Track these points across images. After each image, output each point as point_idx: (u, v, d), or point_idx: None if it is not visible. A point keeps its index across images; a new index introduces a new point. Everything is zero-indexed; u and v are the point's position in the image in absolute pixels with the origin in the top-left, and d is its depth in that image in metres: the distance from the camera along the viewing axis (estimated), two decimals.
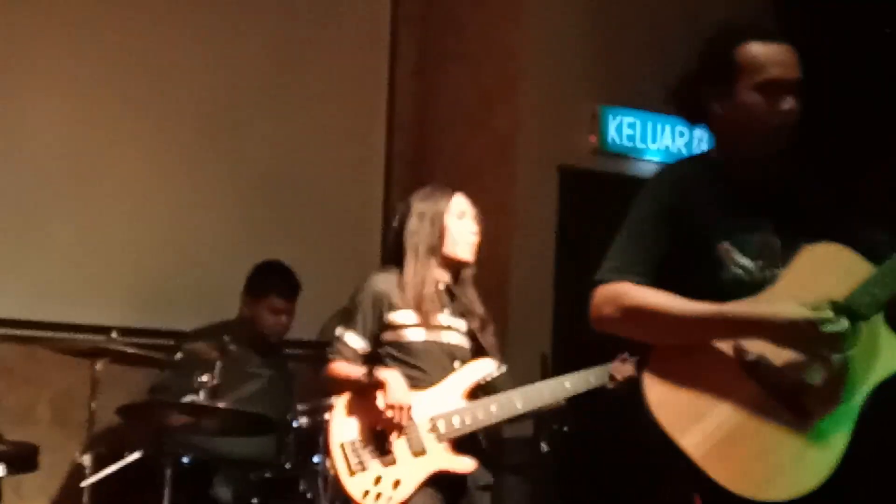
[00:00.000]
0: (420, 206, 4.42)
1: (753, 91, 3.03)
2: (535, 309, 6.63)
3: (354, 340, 4.30)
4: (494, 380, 4.34)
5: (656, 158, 7.05)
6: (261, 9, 6.81)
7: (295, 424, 4.89)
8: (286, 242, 6.38)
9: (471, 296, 4.47)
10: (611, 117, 6.88)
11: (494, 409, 4.22)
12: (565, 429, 4.65)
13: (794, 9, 6.70)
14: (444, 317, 4.35)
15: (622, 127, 6.93)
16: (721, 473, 2.82)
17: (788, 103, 3.03)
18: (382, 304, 4.31)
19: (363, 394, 4.17)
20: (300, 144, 6.86)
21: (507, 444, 5.79)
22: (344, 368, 4.27)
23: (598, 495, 6.51)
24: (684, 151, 7.10)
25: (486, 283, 4.66)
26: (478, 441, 4.30)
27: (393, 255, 4.45)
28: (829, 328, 2.85)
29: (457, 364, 4.31)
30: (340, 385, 4.25)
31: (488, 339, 4.43)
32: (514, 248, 6.58)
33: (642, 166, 7.05)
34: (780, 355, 2.90)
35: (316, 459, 4.74)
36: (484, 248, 4.52)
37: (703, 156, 3.22)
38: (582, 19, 6.88)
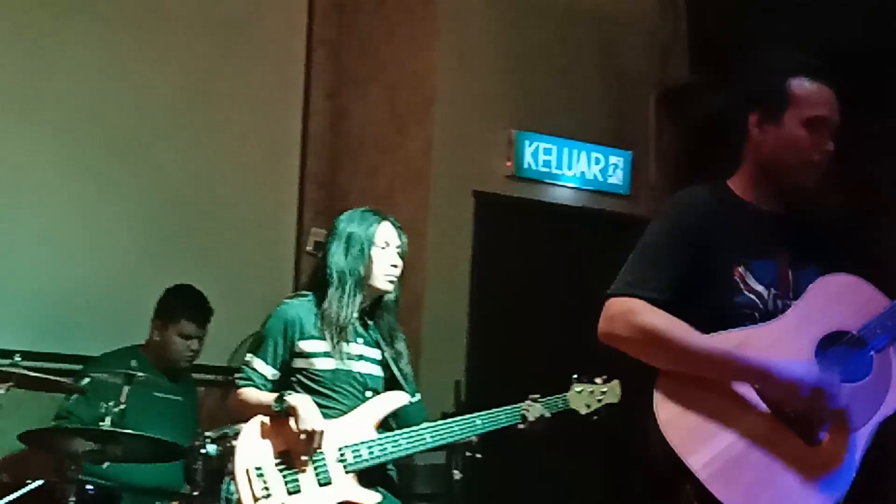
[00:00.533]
0: (345, 231, 4.35)
1: (801, 124, 3.11)
2: (448, 335, 6.61)
3: (264, 367, 4.23)
4: (407, 409, 4.29)
5: (572, 184, 7.07)
6: (175, 29, 6.76)
7: (203, 451, 4.80)
8: (197, 266, 6.31)
9: (391, 324, 4.41)
10: (526, 143, 6.89)
11: (404, 442, 4.17)
12: (478, 456, 4.61)
13: (705, 47, 6.77)
14: (358, 346, 4.30)
15: (538, 152, 6.94)
16: (727, 496, 2.84)
17: (829, 145, 3.13)
18: (294, 332, 4.24)
19: (273, 419, 4.10)
20: (212, 166, 6.80)
21: (419, 472, 5.75)
22: (253, 394, 4.20)
23: None
24: (600, 178, 7.14)
25: (399, 309, 4.61)
26: (386, 471, 4.24)
27: (316, 280, 4.37)
28: (831, 403, 2.90)
29: (369, 394, 4.26)
30: (249, 411, 4.17)
31: (403, 369, 4.37)
32: (428, 274, 6.56)
33: (558, 192, 7.07)
34: None
35: (224, 485, 4.65)
36: None
37: (722, 182, 3.26)
38: (497, 44, 6.90)
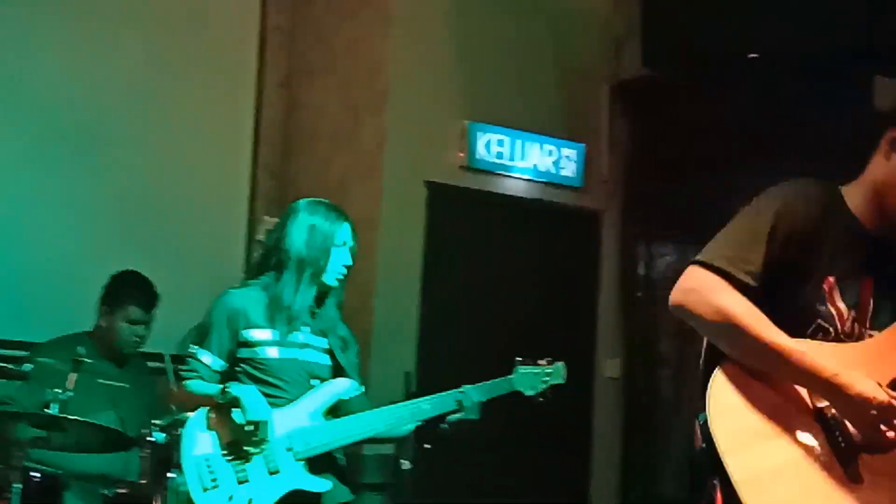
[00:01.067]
0: (308, 221, 4.32)
1: None
2: (399, 326, 6.60)
3: (209, 358, 4.21)
4: (351, 400, 4.27)
5: (524, 176, 7.08)
6: (128, 17, 6.70)
7: (151, 439, 4.76)
8: (146, 253, 6.25)
9: (333, 316, 4.39)
10: (479, 134, 6.89)
11: (352, 429, 4.15)
12: (427, 446, 4.60)
13: (659, 41, 6.80)
14: (303, 335, 4.28)
15: (491, 144, 6.94)
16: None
17: None
18: (238, 322, 4.21)
19: (219, 410, 4.07)
20: (163, 154, 6.76)
21: (367, 462, 5.74)
22: (199, 387, 4.17)
23: None
24: (553, 170, 7.15)
25: (351, 299, 4.60)
26: (335, 459, 4.23)
27: (268, 263, 4.33)
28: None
29: (315, 382, 4.23)
30: (195, 403, 4.14)
31: (350, 359, 4.36)
32: (380, 264, 6.55)
33: (510, 184, 7.07)
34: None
35: (172, 475, 4.61)
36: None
37: (836, 186, 3.11)
38: (451, 36, 6.89)
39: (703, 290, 2.89)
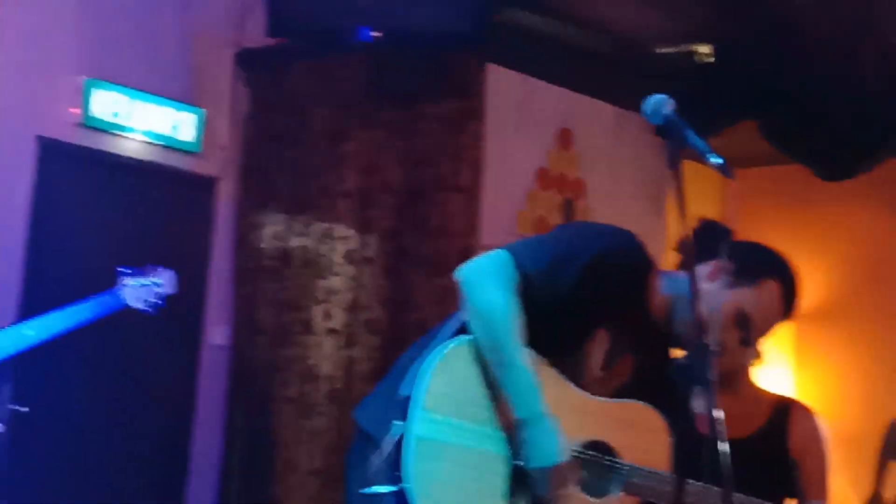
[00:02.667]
0: None
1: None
2: None
3: None
4: None
5: (141, 137, 6.97)
6: None
7: None
8: None
9: None
10: (95, 91, 6.72)
11: None
12: (24, 410, 4.46)
13: (282, 12, 6.85)
14: None
15: (107, 102, 6.79)
16: (412, 469, 2.81)
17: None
18: None
19: None
20: None
21: None
22: None
23: (58, 479, 6.37)
24: (171, 133, 7.07)
25: None
26: None
27: None
28: (557, 489, 2.89)
29: None
30: None
31: None
32: None
33: (127, 144, 6.96)
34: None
35: None
36: None
37: (656, 268, 3.14)
38: None
39: (493, 278, 2.93)
